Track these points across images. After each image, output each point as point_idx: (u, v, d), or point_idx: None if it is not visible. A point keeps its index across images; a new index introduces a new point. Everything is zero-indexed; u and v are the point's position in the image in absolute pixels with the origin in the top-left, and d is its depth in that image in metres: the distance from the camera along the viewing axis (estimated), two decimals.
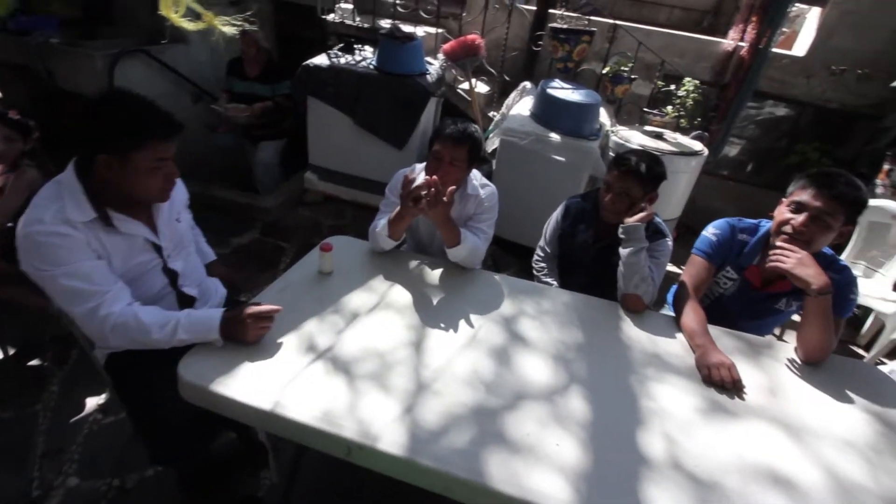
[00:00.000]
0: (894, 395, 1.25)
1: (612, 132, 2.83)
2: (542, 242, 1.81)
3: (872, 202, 2.60)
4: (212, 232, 1.65)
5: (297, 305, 1.27)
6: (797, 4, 3.55)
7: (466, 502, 0.91)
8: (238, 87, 3.13)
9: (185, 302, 1.31)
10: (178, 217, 1.32)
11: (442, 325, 1.27)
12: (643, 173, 1.49)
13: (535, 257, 1.83)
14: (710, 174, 3.61)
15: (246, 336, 1.11)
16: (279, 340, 1.15)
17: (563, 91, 2.78)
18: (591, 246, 1.63)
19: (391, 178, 1.65)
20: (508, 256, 3.04)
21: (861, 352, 2.66)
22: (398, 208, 1.43)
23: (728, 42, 3.57)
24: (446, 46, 3.32)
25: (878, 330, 2.57)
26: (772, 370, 1.28)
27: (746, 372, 1.23)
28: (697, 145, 2.73)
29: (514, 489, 0.87)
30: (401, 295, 1.38)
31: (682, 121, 2.95)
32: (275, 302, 1.21)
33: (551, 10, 3.60)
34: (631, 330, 1.37)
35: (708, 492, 0.92)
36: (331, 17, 3.74)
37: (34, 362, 2.00)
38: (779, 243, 1.30)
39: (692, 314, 1.37)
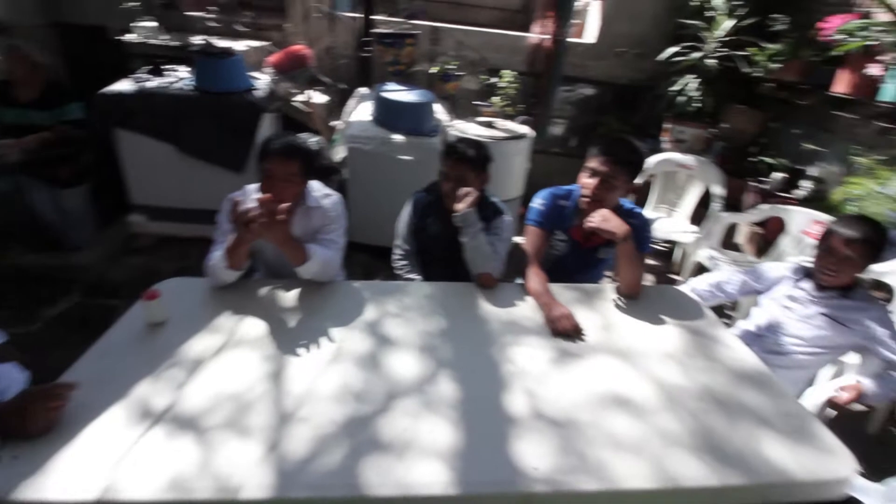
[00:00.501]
0: (692, 307, 1.54)
1: (450, 126, 3.00)
2: (398, 241, 1.84)
3: (661, 156, 3.18)
4: (10, 309, 1.34)
5: (122, 370, 1.10)
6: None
7: None
8: (7, 117, 2.55)
9: None
10: None
11: (302, 348, 1.21)
12: (473, 158, 1.60)
13: (394, 256, 1.85)
14: (541, 152, 4.02)
15: (30, 427, 0.90)
16: (101, 417, 0.98)
17: (397, 93, 2.85)
18: (443, 235, 1.71)
19: None
20: (379, 262, 3.03)
21: (676, 277, 3.23)
22: (232, 237, 1.33)
23: (533, 36, 4.01)
24: (272, 59, 3.17)
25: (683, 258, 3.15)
26: (604, 310, 1.48)
27: (585, 317, 1.41)
28: (524, 129, 3.03)
29: (392, 489, 0.87)
30: (253, 327, 1.29)
31: (508, 109, 3.25)
32: (93, 372, 1.04)
33: (375, 17, 3.67)
34: (487, 305, 1.47)
35: (567, 430, 1.03)
36: (130, 37, 3.31)
37: None
38: (583, 205, 1.52)
39: (535, 278, 1.53)
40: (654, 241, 2.59)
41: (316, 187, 1.58)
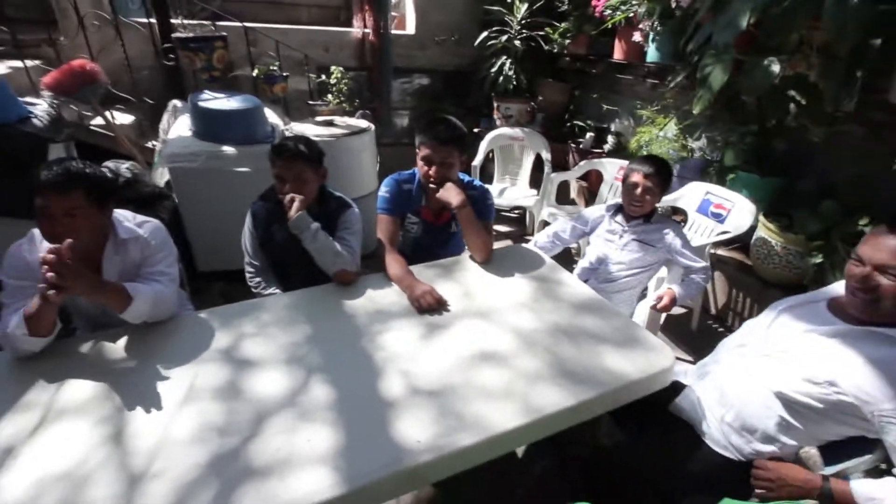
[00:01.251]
0: (536, 259, 1.72)
1: (287, 130, 2.85)
2: (247, 258, 1.71)
3: (495, 132, 3.45)
4: None
5: None
6: None
7: None
8: None
9: None
10: None
11: (144, 398, 1.06)
12: (306, 154, 1.55)
13: (247, 275, 1.72)
14: (389, 145, 4.09)
15: None
16: None
17: (217, 101, 2.61)
18: (291, 240, 1.62)
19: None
20: (238, 285, 2.78)
21: (530, 238, 3.58)
22: (34, 300, 1.09)
23: (356, 31, 4.01)
24: (47, 79, 2.63)
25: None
26: (463, 280, 1.57)
27: (447, 288, 1.48)
28: (364, 123, 3.03)
29: None
30: (76, 391, 1.08)
31: (345, 105, 3.20)
32: None
33: (173, 21, 3.28)
34: (351, 300, 1.45)
35: (444, 396, 1.07)
36: None
37: None
38: (430, 190, 1.61)
39: (394, 263, 1.56)
40: (498, 209, 2.83)
41: (127, 216, 1.37)
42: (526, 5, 3.65)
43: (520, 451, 1.69)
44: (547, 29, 3.68)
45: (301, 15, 5.57)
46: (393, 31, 4.04)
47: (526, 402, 1.07)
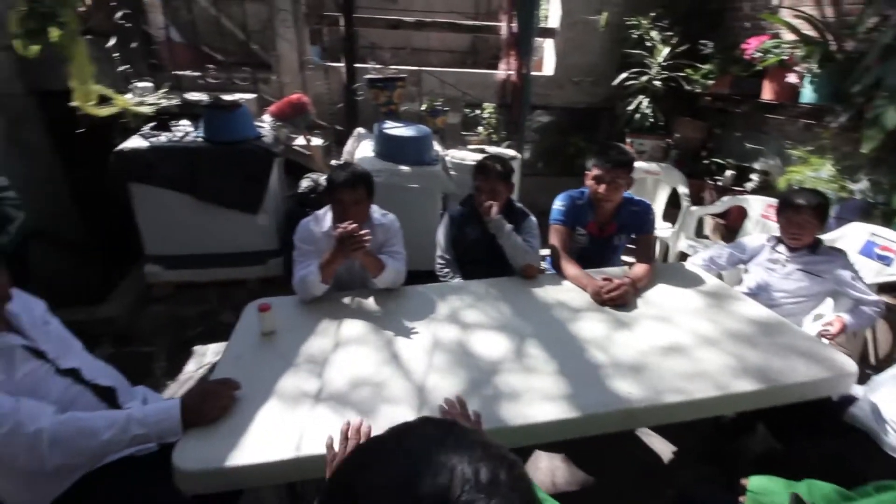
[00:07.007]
0: (702, 276, 1.87)
1: (447, 155, 3.31)
2: (439, 252, 2.08)
3: None
4: None
5: (259, 369, 1.26)
6: (536, 39, 4.68)
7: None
8: None
9: (104, 395, 1.17)
10: (47, 321, 1.20)
11: (402, 339, 1.41)
12: (501, 172, 1.89)
13: (437, 265, 2.08)
14: (523, 175, 4.43)
15: (211, 412, 1.06)
16: (264, 400, 1.14)
17: (398, 129, 3.14)
18: (482, 239, 1.95)
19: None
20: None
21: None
22: (327, 253, 1.53)
23: (500, 73, 4.48)
24: (273, 108, 3.39)
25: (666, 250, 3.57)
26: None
27: None
28: (512, 152, 3.40)
29: (520, 420, 1.08)
30: (354, 327, 1.47)
31: (493, 136, 3.62)
32: (233, 371, 1.19)
33: (356, 65, 4.01)
34: (537, 289, 1.73)
35: (641, 371, 1.28)
36: (127, 97, 3.44)
37: None
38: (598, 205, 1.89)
39: (569, 264, 1.82)
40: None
41: (375, 209, 1.81)
42: (668, 49, 3.84)
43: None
44: (688, 70, 3.81)
45: (433, 60, 6.32)
46: (532, 73, 4.45)
47: (716, 382, 1.23)
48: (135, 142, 2.88)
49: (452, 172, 3.30)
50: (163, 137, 2.96)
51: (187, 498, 0.99)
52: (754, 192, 3.32)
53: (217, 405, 1.07)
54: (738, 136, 3.80)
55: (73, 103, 1.57)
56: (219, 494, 1.03)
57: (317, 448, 1.00)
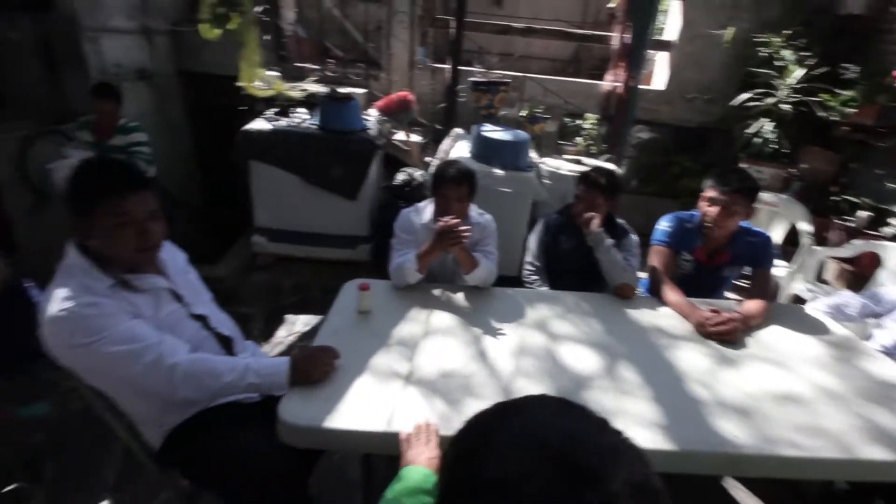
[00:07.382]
0: (825, 323, 1.67)
1: (542, 163, 3.27)
2: (529, 258, 2.05)
3: None
4: None
5: (354, 344, 1.32)
6: (648, 51, 4.47)
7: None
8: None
9: (224, 343, 1.30)
10: (187, 270, 1.34)
11: (490, 339, 1.42)
12: (604, 185, 1.83)
13: (526, 272, 2.06)
14: None
15: (316, 374, 1.15)
16: (359, 373, 1.21)
17: (496, 132, 3.16)
18: (576, 250, 1.90)
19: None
20: None
21: None
22: (426, 244, 1.58)
23: (606, 84, 4.33)
24: (380, 103, 3.58)
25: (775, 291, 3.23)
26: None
27: None
28: (611, 166, 3.27)
29: None
30: (443, 318, 1.51)
31: (591, 148, 3.51)
32: (331, 342, 1.27)
33: (461, 68, 4.10)
34: (633, 311, 1.64)
35: (751, 415, 1.17)
36: (259, 84, 3.81)
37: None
38: (707, 230, 1.76)
39: (672, 291, 1.70)
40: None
41: (473, 208, 1.83)
42: (804, 70, 3.47)
43: None
44: (824, 95, 3.42)
45: (533, 66, 6.25)
46: (640, 86, 4.25)
47: (839, 442, 1.09)
48: (259, 124, 3.19)
49: (546, 181, 3.25)
50: (283, 122, 3.24)
51: (280, 446, 1.07)
52: (894, 238, 2.89)
53: (321, 369, 1.16)
54: (878, 174, 3.34)
55: (240, 83, 1.79)
56: (306, 450, 1.11)
57: (405, 426, 1.04)
